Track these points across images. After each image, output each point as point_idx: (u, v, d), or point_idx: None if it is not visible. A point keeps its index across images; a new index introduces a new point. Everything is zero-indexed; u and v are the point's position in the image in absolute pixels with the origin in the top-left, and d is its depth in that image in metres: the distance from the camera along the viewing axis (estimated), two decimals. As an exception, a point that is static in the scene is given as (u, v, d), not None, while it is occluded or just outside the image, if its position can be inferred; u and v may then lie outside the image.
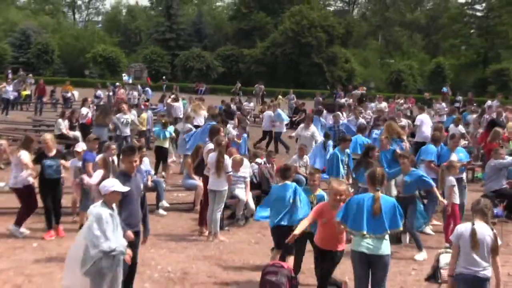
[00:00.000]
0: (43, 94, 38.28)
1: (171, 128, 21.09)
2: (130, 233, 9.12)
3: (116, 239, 8.39)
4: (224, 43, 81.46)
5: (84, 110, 25.44)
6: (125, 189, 8.59)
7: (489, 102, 36.07)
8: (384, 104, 35.84)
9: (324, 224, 9.52)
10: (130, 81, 55.23)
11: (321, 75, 71.80)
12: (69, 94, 39.12)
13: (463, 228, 8.84)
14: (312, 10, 76.77)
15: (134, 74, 68.90)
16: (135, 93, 41.80)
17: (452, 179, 14.18)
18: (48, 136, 13.81)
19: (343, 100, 38.79)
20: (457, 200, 14.16)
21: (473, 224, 8.70)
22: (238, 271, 11.72)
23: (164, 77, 65.84)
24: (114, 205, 8.59)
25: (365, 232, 8.86)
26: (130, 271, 9.44)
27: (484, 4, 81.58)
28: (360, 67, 78.93)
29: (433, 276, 10.08)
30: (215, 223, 13.40)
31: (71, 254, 8.58)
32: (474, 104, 35.99)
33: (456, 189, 14.18)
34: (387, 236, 8.93)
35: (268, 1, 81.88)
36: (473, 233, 8.56)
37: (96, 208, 8.42)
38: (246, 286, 10.84)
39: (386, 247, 8.89)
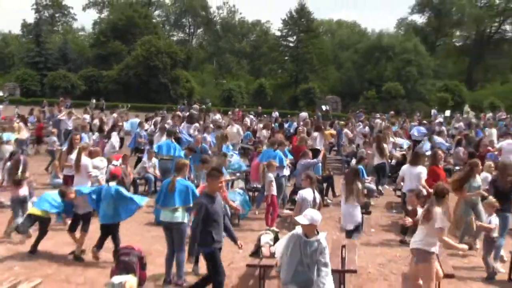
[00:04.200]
0: None
1: None
2: None
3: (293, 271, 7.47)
4: (86, 66, 79.38)
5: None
6: (305, 221, 7.44)
7: (303, 114, 37.41)
8: (218, 116, 36.23)
9: None
10: None
11: (167, 93, 71.45)
12: None
13: (306, 193, 10.82)
14: (159, 40, 76.37)
15: (8, 92, 66.03)
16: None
17: (271, 175, 14.55)
18: None
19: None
20: (275, 192, 14.53)
21: (313, 192, 10.85)
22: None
23: (1, 93, 62.88)
24: (320, 236, 7.52)
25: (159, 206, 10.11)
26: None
27: (295, 37, 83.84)
28: (199, 86, 79.10)
29: (256, 252, 10.28)
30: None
31: None
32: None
33: (274, 183, 14.54)
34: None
35: (122, 32, 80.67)
36: (315, 198, 10.83)
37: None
38: (103, 266, 10.68)
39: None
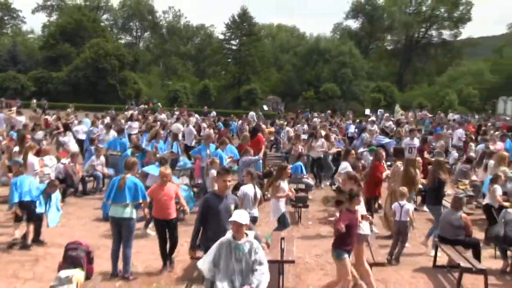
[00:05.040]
0: None
1: None
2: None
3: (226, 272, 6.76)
4: (35, 67, 77.69)
5: None
6: (244, 220, 6.85)
7: (251, 113, 37.51)
8: (164, 115, 35.93)
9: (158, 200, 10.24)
10: None
11: (115, 93, 70.81)
12: None
13: (247, 188, 10.81)
14: (107, 42, 75.77)
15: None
16: None
17: (214, 171, 14.48)
18: None
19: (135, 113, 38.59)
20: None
21: (254, 187, 10.79)
22: (47, 248, 11.51)
23: None
24: (250, 237, 6.92)
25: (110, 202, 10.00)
26: None
27: (237, 41, 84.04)
28: (146, 87, 78.59)
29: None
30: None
31: None
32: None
33: (216, 179, 14.51)
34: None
35: (71, 35, 79.31)
36: (255, 193, 10.76)
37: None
38: (52, 260, 10.46)
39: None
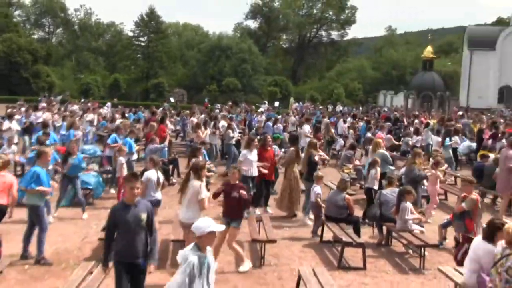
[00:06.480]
0: None
1: None
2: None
3: None
4: None
5: None
6: (221, 228, 5.60)
7: (166, 105, 37.04)
8: (76, 107, 34.93)
9: None
10: None
11: (28, 86, 67.79)
12: None
13: (150, 174, 10.64)
14: (20, 37, 72.38)
15: None
16: None
17: (122, 158, 14.25)
18: None
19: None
20: (125, 173, 14.21)
21: (157, 173, 10.73)
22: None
23: None
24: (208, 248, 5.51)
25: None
26: None
27: (146, 37, 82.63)
28: (59, 80, 75.69)
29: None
30: None
31: None
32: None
33: (125, 165, 14.25)
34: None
35: (-17, 29, 75.27)
36: (158, 178, 10.74)
37: (186, 253, 5.36)
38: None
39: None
